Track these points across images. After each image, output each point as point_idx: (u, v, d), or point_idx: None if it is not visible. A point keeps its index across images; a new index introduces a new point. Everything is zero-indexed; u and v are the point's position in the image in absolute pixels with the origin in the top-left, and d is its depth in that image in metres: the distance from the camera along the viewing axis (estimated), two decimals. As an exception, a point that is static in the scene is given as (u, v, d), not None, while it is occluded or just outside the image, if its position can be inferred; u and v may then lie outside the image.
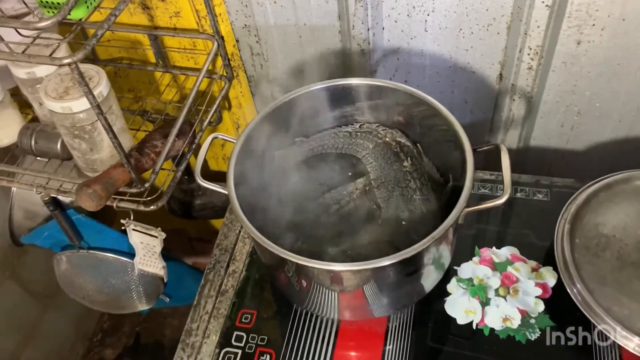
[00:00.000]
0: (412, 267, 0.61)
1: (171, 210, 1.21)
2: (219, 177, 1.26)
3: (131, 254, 1.00)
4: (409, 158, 0.73)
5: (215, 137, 0.72)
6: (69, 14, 0.60)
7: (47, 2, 0.63)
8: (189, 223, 1.42)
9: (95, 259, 1.02)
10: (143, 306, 1.10)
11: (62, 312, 1.46)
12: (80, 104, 0.75)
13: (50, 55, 0.61)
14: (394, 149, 0.74)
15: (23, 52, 0.62)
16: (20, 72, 0.83)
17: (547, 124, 0.93)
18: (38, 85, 0.85)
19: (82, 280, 1.07)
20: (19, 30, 0.76)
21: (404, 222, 0.68)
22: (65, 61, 0.59)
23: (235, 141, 0.70)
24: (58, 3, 0.63)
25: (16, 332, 1.31)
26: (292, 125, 0.77)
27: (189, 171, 1.14)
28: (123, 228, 0.88)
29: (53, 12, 0.65)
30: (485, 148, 0.67)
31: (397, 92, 0.72)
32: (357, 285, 0.62)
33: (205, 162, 1.26)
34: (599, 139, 0.93)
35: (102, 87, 0.77)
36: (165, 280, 1.01)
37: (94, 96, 0.66)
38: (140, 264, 0.96)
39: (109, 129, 0.69)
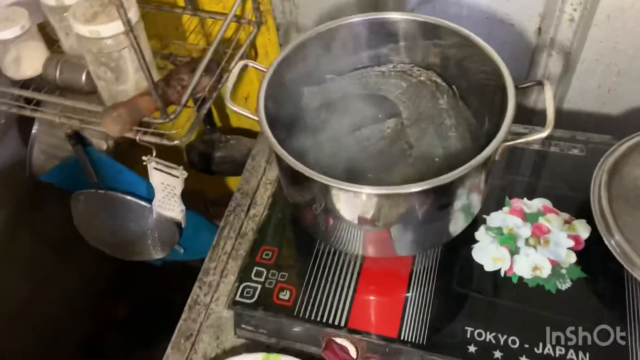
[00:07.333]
0: (443, 199, 0.59)
1: (191, 163, 1.20)
2: (241, 132, 1.24)
3: (149, 199, 0.98)
4: (444, 96, 0.70)
5: (246, 65, 0.70)
6: None
7: None
8: (206, 183, 1.40)
9: (113, 200, 1.01)
10: (157, 254, 1.09)
11: (76, 266, 1.46)
12: (108, 29, 0.74)
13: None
14: (430, 87, 0.71)
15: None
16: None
17: (583, 84, 0.89)
18: (66, 14, 0.83)
19: (98, 222, 1.06)
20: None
21: (437, 159, 0.65)
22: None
23: (266, 70, 0.68)
24: None
25: (30, 281, 1.31)
26: (325, 61, 0.74)
27: (210, 121, 1.13)
28: (145, 164, 0.87)
29: None
30: (528, 85, 0.64)
31: (437, 29, 0.70)
32: (385, 215, 0.60)
33: (227, 116, 1.24)
34: (637, 103, 0.90)
35: (131, 13, 0.75)
36: (182, 226, 1.00)
37: (128, 19, 0.64)
38: (158, 207, 0.95)
39: (139, 49, 0.67)
